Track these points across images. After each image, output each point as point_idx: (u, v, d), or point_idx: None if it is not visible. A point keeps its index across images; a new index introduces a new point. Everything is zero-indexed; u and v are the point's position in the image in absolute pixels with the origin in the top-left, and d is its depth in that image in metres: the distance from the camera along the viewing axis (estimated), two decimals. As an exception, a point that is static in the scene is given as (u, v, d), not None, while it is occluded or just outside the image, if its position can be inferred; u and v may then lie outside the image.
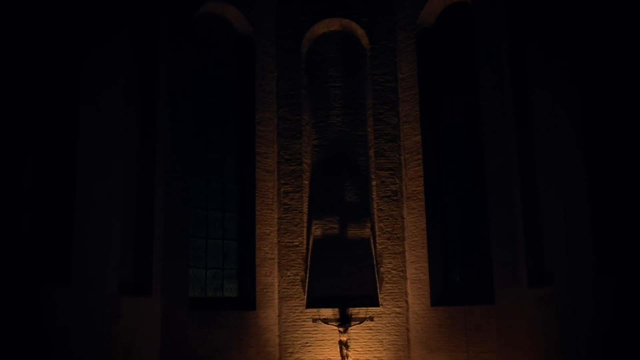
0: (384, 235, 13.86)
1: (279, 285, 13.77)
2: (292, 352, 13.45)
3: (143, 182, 11.28)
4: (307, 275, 13.73)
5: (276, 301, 13.69)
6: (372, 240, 13.91)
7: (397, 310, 13.54)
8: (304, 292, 13.64)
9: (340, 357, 13.11)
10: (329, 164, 14.39)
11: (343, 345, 13.14)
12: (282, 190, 14.14)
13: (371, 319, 13.40)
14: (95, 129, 8.64)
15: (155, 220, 11.32)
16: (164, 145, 11.85)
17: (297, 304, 13.63)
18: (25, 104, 7.27)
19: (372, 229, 13.97)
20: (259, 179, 13.93)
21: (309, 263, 13.81)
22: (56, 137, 7.92)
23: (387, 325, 13.49)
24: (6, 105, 6.82)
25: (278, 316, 13.64)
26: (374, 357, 13.37)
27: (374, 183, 14.11)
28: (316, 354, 13.39)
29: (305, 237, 13.97)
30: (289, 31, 14.57)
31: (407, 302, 13.56)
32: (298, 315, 13.59)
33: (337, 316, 13.37)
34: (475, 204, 13.20)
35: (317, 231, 14.08)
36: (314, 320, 13.44)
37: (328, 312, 13.46)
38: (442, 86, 14.01)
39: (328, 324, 13.32)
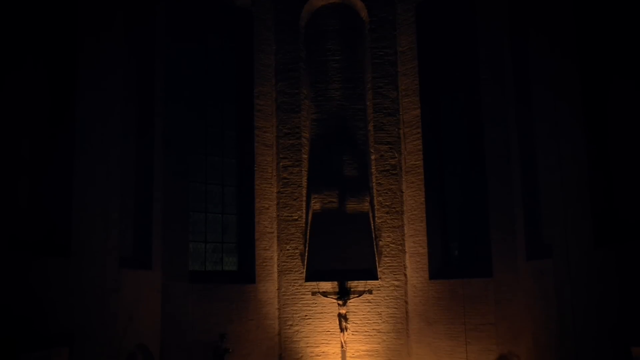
0: (383, 209, 13.90)
1: (278, 259, 13.85)
2: (291, 325, 13.57)
3: (142, 157, 11.28)
4: (307, 248, 13.80)
5: (275, 275, 13.78)
6: (371, 214, 13.94)
7: (396, 283, 13.64)
8: (303, 265, 13.73)
9: (339, 330, 13.24)
10: (328, 138, 14.36)
11: (342, 317, 13.25)
12: (281, 164, 14.14)
13: (370, 292, 13.50)
14: (94, 104, 8.60)
15: (155, 195, 11.34)
16: (163, 119, 11.82)
17: (297, 278, 13.72)
18: (24, 80, 7.23)
19: (371, 202, 14.00)
20: (258, 153, 13.92)
21: (308, 237, 13.87)
22: (55, 113, 7.89)
23: (386, 298, 13.60)
24: (5, 81, 6.79)
25: (277, 289, 13.74)
26: (373, 329, 13.50)
27: (373, 157, 14.10)
28: (315, 327, 13.52)
29: (304, 211, 14.01)
30: (288, 4, 14.43)
31: (405, 275, 13.65)
32: (297, 289, 13.69)
33: (336, 289, 13.46)
34: (474, 178, 13.20)
35: (316, 205, 14.11)
36: (313, 294, 13.54)
37: (327, 286, 13.55)
38: (441, 60, 13.91)
39: (327, 297, 13.42)
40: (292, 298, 13.66)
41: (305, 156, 14.22)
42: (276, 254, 13.85)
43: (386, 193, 13.93)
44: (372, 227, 13.85)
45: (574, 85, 7.85)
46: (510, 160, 11.71)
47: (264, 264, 13.63)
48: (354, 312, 13.45)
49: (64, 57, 8.01)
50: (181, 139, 12.48)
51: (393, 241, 13.76)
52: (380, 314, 13.55)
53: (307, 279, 13.65)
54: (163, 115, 11.84)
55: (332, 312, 13.43)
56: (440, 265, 13.38)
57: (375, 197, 13.94)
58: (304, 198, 14.06)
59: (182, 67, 12.69)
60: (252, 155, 13.86)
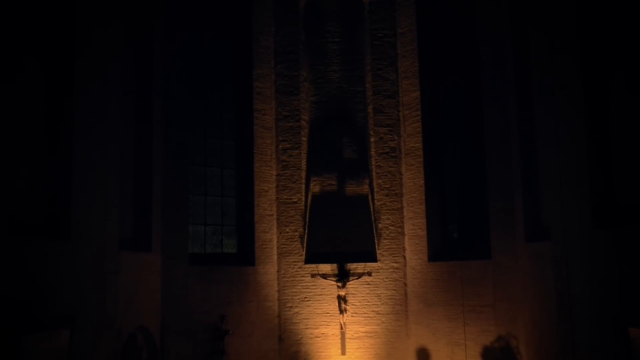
0: (382, 192, 13.92)
1: (277, 241, 13.89)
2: (291, 307, 13.65)
3: (141, 140, 11.25)
4: (306, 231, 13.83)
5: (275, 257, 13.83)
6: (370, 197, 13.96)
7: (395, 265, 13.70)
8: (303, 248, 13.77)
9: (338, 311, 13.32)
10: (327, 121, 14.33)
11: (341, 299, 13.33)
12: (280, 147, 14.13)
13: (369, 274, 13.56)
14: (93, 88, 8.57)
15: (154, 178, 11.33)
16: (161, 102, 11.78)
17: (296, 260, 13.77)
18: (23, 62, 7.20)
19: (371, 185, 14.00)
20: (257, 135, 13.90)
21: (307, 219, 13.90)
22: (54, 96, 7.86)
23: (385, 280, 13.67)
24: (3, 62, 6.76)
25: (277, 272, 13.80)
26: (372, 311, 13.58)
27: (372, 139, 14.08)
28: (315, 309, 13.59)
29: (303, 193, 14.02)
30: (287, -16, 14.33)
31: (404, 257, 13.71)
32: (297, 271, 13.75)
33: (336, 271, 13.52)
34: (473, 161, 13.21)
35: (315, 188, 14.12)
36: (313, 276, 13.60)
37: (326, 268, 13.61)
38: (441, 41, 13.83)
39: (326, 279, 13.49)
40: (292, 280, 13.72)
41: (305, 139, 14.20)
42: (276, 237, 13.89)
43: (385, 175, 13.94)
44: (372, 209, 13.87)
45: (574, 67, 7.82)
46: (509, 143, 11.70)
47: (264, 246, 13.68)
48: (353, 294, 13.52)
49: (62, 39, 7.96)
50: (180, 122, 12.45)
51: (392, 223, 13.80)
52: (380, 295, 13.62)
53: (307, 262, 13.71)
54: (162, 98, 11.79)
55: (331, 294, 13.50)
56: (439, 248, 13.43)
57: (374, 180, 13.95)
58: (304, 181, 14.07)
59: (180, 49, 12.61)
60: (252, 138, 13.84)
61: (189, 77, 12.92)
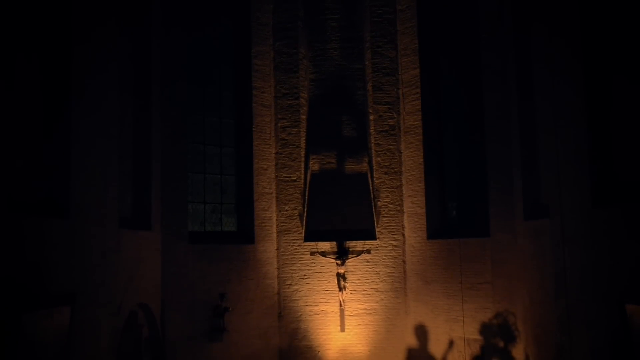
0: (382, 170, 13.92)
1: (277, 220, 13.92)
2: (290, 284, 13.73)
3: (139, 118, 11.22)
4: (305, 209, 13.86)
5: (275, 235, 13.87)
6: (369, 175, 13.97)
7: (394, 243, 13.75)
8: (302, 225, 13.81)
9: (338, 289, 13.41)
10: (327, 98, 14.27)
11: (341, 277, 13.40)
12: (279, 125, 14.10)
13: (368, 251, 13.62)
14: (90, 65, 8.51)
15: (153, 156, 11.32)
16: (160, 81, 11.72)
17: (296, 238, 13.82)
18: (20, 40, 7.14)
19: (370, 163, 14.00)
20: (256, 113, 13.86)
21: (306, 197, 13.92)
22: (50, 74, 7.81)
23: (384, 257, 13.73)
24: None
25: (277, 249, 13.86)
26: (371, 288, 13.66)
27: (371, 117, 14.05)
28: (314, 286, 13.68)
29: (302, 171, 14.03)
30: (285, -40, 14.18)
31: (403, 235, 13.76)
32: (296, 249, 13.81)
33: (335, 249, 13.58)
34: (473, 138, 13.19)
35: (314, 166, 14.12)
36: (312, 254, 13.66)
37: (326, 246, 13.66)
38: (441, 18, 13.73)
39: (326, 257, 13.54)
40: (291, 258, 13.79)
41: (304, 117, 14.16)
42: (275, 215, 13.92)
43: (385, 153, 13.93)
44: (371, 187, 13.89)
45: (575, 44, 7.76)
46: (509, 121, 11.66)
47: (263, 224, 13.71)
48: (353, 271, 13.59)
49: (60, 18, 7.89)
50: (179, 100, 12.41)
51: (391, 201, 13.83)
52: (379, 273, 13.70)
53: (306, 239, 13.76)
54: (160, 75, 11.73)
55: (330, 271, 13.58)
56: (438, 225, 13.47)
57: (373, 158, 13.94)
58: (303, 159, 14.06)
59: (179, 28, 12.51)
60: (250, 116, 13.80)
61: (187, 55, 12.83)
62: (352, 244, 13.60)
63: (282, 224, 13.89)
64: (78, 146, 8.03)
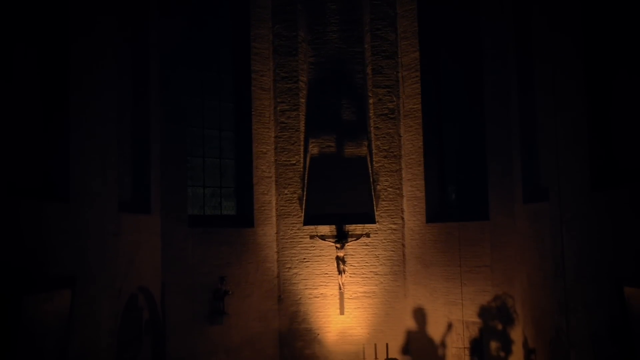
0: (381, 153, 13.92)
1: (276, 203, 13.94)
2: (290, 268, 13.78)
3: (138, 101, 11.16)
4: (305, 193, 13.87)
5: (274, 218, 13.90)
6: (368, 158, 13.97)
7: (393, 226, 13.79)
8: (302, 209, 13.83)
9: (337, 272, 13.46)
10: (326, 82, 14.23)
11: (340, 260, 13.45)
12: (278, 108, 14.06)
13: (367, 235, 13.66)
14: (88, 50, 8.46)
15: (152, 139, 11.29)
16: (159, 64, 11.66)
17: (295, 221, 13.84)
18: (17, 21, 7.09)
19: (369, 147, 13.99)
20: (255, 97, 13.82)
21: (306, 181, 13.93)
22: (48, 57, 7.77)
23: (383, 241, 13.77)
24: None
25: (276, 233, 13.89)
26: (370, 271, 13.72)
27: (371, 101, 14.01)
28: (314, 269, 13.73)
29: (302, 155, 14.02)
30: (284, -59, 14.05)
31: (403, 218, 13.78)
32: (296, 232, 13.84)
33: (334, 233, 13.61)
34: (472, 121, 13.17)
35: (314, 149, 14.11)
36: (312, 237, 13.69)
37: (325, 229, 13.69)
38: (441, 1, 13.65)
39: (325, 241, 13.58)
40: (291, 241, 13.83)
41: (303, 100, 14.13)
42: (274, 198, 13.94)
43: (384, 137, 13.92)
44: (370, 171, 13.89)
45: (576, 26, 7.72)
46: (509, 104, 11.63)
47: (263, 208, 13.73)
48: (352, 255, 13.64)
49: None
50: (178, 84, 12.36)
51: (391, 185, 13.84)
52: (378, 256, 13.75)
53: (306, 223, 13.79)
54: (159, 59, 11.67)
55: (330, 255, 13.62)
56: (438, 209, 13.50)
57: (373, 141, 13.94)
58: (302, 142, 14.05)
59: (177, 10, 12.43)
60: (249, 100, 13.77)
61: (186, 38, 12.76)
62: (352, 228, 13.64)
63: (281, 208, 13.91)
64: (77, 130, 8.00)
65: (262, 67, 13.95)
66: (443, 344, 12.93)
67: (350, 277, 13.59)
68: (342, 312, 13.55)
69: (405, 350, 13.47)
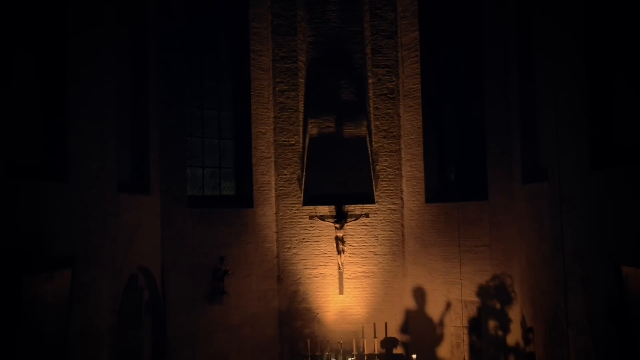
0: (380, 134, 13.90)
1: (276, 184, 13.95)
2: (289, 248, 13.82)
3: (137, 81, 11.12)
4: (304, 173, 13.87)
5: (273, 199, 13.92)
6: (368, 139, 13.95)
7: (392, 207, 13.81)
8: (301, 190, 13.85)
9: (336, 252, 13.52)
10: (325, 62, 14.16)
11: (339, 240, 13.50)
12: (277, 88, 14.01)
13: (367, 215, 13.68)
14: (86, 30, 8.40)
15: (151, 120, 11.27)
16: (157, 44, 11.59)
17: (294, 202, 13.87)
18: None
19: (368, 127, 13.97)
20: (254, 77, 13.76)
21: (305, 162, 13.92)
22: (46, 37, 7.71)
23: (382, 221, 13.81)
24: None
25: (275, 213, 13.92)
26: (369, 251, 13.77)
27: (370, 81, 13.96)
28: (313, 249, 13.78)
29: (301, 135, 14.00)
30: None
31: (402, 199, 13.80)
32: (295, 213, 13.87)
33: (334, 213, 13.64)
34: (472, 101, 13.12)
35: (313, 130, 14.09)
36: (311, 217, 13.72)
37: (324, 209, 13.72)
38: (441, -21, 13.56)
39: (324, 221, 13.61)
40: (290, 222, 13.86)
41: (302, 80, 14.07)
42: (274, 179, 13.94)
43: (383, 117, 13.89)
44: (369, 151, 13.88)
45: (576, 5, 7.67)
46: (509, 84, 11.59)
47: (262, 188, 13.74)
48: (351, 235, 13.68)
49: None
50: (176, 64, 12.29)
51: (390, 165, 13.84)
52: (377, 236, 13.79)
53: (305, 203, 13.81)
54: (157, 39, 11.60)
55: (329, 235, 13.67)
56: (437, 189, 13.51)
57: (372, 122, 13.91)
58: (301, 123, 14.02)
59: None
60: (248, 80, 13.71)
61: (184, 18, 12.66)
62: (351, 208, 13.67)
63: (280, 188, 13.92)
64: (76, 110, 7.98)
65: (261, 47, 13.87)
66: (441, 323, 13.03)
67: (349, 257, 13.65)
68: (341, 292, 13.62)
69: (404, 329, 13.57)
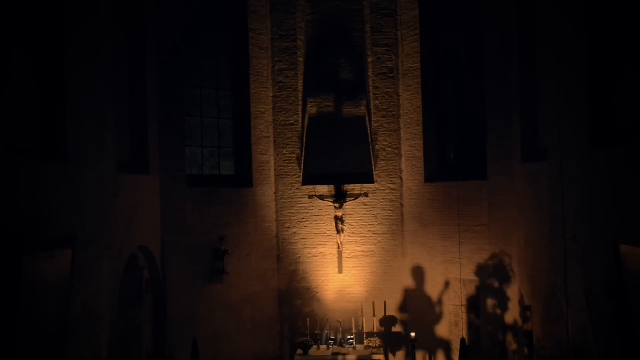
0: (379, 113, 13.86)
1: (275, 163, 13.94)
2: (288, 227, 13.86)
3: (135, 61, 11.05)
4: (303, 152, 13.86)
5: (272, 178, 13.92)
6: (367, 118, 13.91)
7: (391, 186, 13.82)
8: (300, 169, 13.84)
9: (335, 231, 13.55)
10: (324, 40, 14.07)
11: (338, 220, 13.53)
12: (276, 67, 13.94)
13: (366, 194, 13.70)
14: (83, 8, 8.33)
15: (149, 99, 11.22)
16: (154, 23, 11.49)
17: (293, 181, 13.87)
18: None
19: (368, 106, 13.92)
20: (253, 56, 13.68)
21: (304, 141, 13.90)
22: (44, 20, 7.65)
23: (382, 200, 13.83)
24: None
25: (274, 193, 13.93)
26: (368, 231, 13.81)
27: (369, 60, 13.88)
28: (312, 229, 13.82)
29: (300, 115, 13.95)
30: None
31: (401, 178, 13.81)
32: (294, 192, 13.88)
33: (333, 192, 13.66)
34: (471, 80, 13.05)
35: (312, 109, 14.04)
36: (310, 197, 13.74)
37: (323, 189, 13.73)
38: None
39: (324, 200, 13.63)
40: (289, 201, 13.88)
41: (301, 59, 13.99)
42: (273, 158, 13.93)
43: (383, 96, 13.84)
44: (369, 130, 13.85)
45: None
46: (509, 62, 11.52)
47: (261, 167, 13.74)
48: (350, 214, 13.71)
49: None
50: (174, 42, 12.19)
51: (389, 145, 13.82)
52: (376, 216, 13.82)
53: (304, 183, 13.82)
54: (155, 18, 11.49)
55: (328, 214, 13.69)
56: (436, 168, 13.51)
57: (371, 101, 13.86)
58: (300, 102, 13.97)
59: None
60: (247, 59, 13.63)
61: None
62: (350, 187, 13.67)
63: (280, 168, 13.92)
64: (74, 90, 7.94)
65: (260, 25, 13.77)
66: (440, 302, 13.11)
67: (348, 236, 13.69)
68: (340, 271, 13.69)
69: (403, 307, 13.66)
